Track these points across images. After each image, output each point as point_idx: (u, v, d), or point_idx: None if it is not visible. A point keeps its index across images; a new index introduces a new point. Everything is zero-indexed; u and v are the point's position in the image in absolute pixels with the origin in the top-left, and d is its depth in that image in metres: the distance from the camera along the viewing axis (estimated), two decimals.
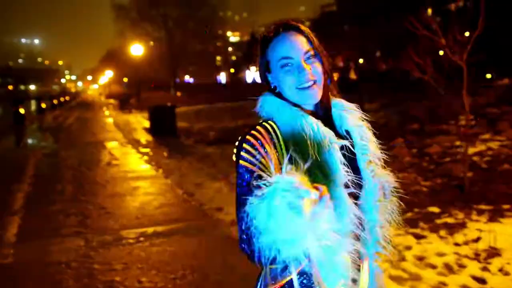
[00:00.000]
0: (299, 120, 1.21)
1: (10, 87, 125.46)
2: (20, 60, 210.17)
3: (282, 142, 1.18)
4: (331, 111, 1.35)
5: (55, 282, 3.71)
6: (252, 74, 72.88)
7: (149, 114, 16.37)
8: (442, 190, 6.18)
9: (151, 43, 55.92)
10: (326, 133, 1.22)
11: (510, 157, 7.54)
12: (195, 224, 5.19)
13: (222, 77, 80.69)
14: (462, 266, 3.94)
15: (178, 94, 52.67)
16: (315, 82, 1.24)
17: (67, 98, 60.06)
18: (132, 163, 9.67)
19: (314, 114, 1.29)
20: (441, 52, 6.57)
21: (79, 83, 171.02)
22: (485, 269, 3.85)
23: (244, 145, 1.19)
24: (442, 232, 4.69)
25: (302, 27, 1.28)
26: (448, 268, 3.92)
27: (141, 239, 4.73)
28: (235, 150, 1.25)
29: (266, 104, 1.29)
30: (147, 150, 11.44)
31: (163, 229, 5.03)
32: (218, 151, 10.40)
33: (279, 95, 1.29)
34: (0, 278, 3.88)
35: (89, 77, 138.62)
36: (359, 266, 1.28)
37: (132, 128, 17.89)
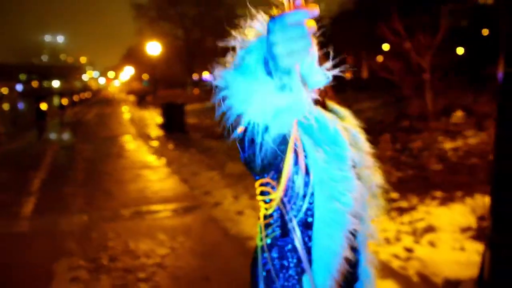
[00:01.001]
0: None
1: (34, 84, 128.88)
2: (43, 57, 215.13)
3: None
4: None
5: (60, 245, 4.56)
6: None
7: (161, 110, 17.30)
8: (410, 180, 6.85)
9: (169, 41, 57.07)
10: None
11: (483, 152, 8.14)
12: (183, 205, 6.00)
13: None
14: (398, 239, 4.65)
15: (195, 91, 53.57)
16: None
17: (88, 94, 61.76)
18: (140, 154, 10.55)
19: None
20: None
21: (101, 80, 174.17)
22: (416, 242, 4.56)
23: None
24: (393, 214, 5.40)
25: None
26: (386, 241, 4.64)
27: (135, 215, 5.57)
28: None
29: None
30: (155, 143, 12.33)
31: (155, 208, 5.86)
32: (220, 145, 11.21)
33: None
34: (17, 242, 4.76)
35: (111, 74, 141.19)
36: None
37: (145, 123, 18.86)
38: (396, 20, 6.32)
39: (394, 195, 6.10)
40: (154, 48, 30.89)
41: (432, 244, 4.47)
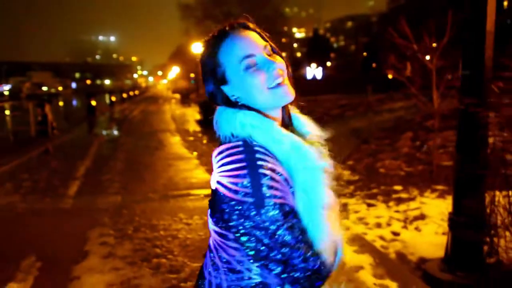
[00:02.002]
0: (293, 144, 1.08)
1: (88, 82, 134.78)
2: (97, 57, 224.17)
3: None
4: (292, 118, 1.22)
5: (95, 219, 5.40)
6: (312, 71, 73.55)
7: (200, 108, 18.25)
8: (417, 175, 7.26)
9: None
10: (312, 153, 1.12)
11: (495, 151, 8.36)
12: (203, 191, 6.73)
13: None
14: (389, 224, 5.16)
15: None
16: (285, 79, 1.11)
17: (136, 92, 64.31)
18: (175, 147, 11.43)
19: (283, 122, 1.19)
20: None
21: (150, 78, 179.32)
22: (404, 227, 5.05)
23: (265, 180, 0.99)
24: (391, 203, 5.89)
25: (249, 24, 1.15)
26: (377, 225, 5.16)
27: (161, 198, 6.35)
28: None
29: (241, 120, 1.09)
30: (191, 138, 13.20)
31: (180, 193, 6.62)
32: None
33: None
34: (61, 215, 5.65)
35: (159, 73, 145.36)
36: None
37: (185, 120, 19.88)
38: (405, 25, 6.76)
39: (398, 187, 6.56)
40: (198, 48, 32.03)
41: (417, 229, 4.95)
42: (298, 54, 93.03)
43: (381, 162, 8.05)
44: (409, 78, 7.09)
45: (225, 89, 1.13)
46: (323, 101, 21.93)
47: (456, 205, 3.75)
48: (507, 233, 3.43)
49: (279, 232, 0.99)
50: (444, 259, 3.88)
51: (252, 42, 1.09)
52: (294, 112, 1.29)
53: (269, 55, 1.10)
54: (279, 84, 1.09)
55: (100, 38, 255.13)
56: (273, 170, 1.01)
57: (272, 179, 1.00)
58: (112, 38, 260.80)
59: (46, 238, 4.80)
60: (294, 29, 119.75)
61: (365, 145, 10.03)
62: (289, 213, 1.02)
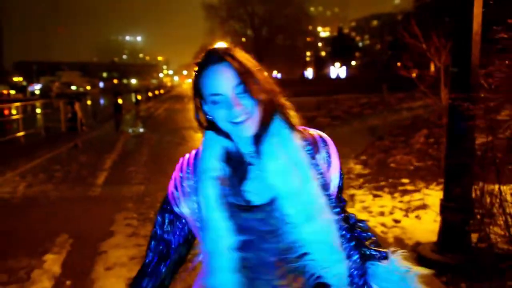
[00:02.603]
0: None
1: (115, 81, 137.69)
2: (124, 56, 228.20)
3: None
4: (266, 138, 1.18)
5: (120, 205, 5.91)
6: (336, 70, 73.38)
7: None
8: (426, 169, 7.54)
9: (238, 40, 58.92)
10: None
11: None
12: None
13: (309, 73, 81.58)
14: (391, 213, 5.50)
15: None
16: (248, 118, 1.14)
17: (161, 91, 65.49)
18: (197, 144, 11.77)
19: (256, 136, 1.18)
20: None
21: (175, 78, 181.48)
22: (406, 216, 5.38)
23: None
24: (396, 194, 6.22)
25: (228, 58, 1.15)
26: (380, 213, 5.50)
27: None
28: None
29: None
30: None
31: None
32: None
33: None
34: (91, 202, 6.19)
35: (184, 72, 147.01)
36: None
37: None
38: (414, 24, 7.04)
39: (405, 180, 6.87)
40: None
41: (418, 217, 5.28)
42: (323, 53, 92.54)
43: (392, 157, 8.35)
44: (432, 77, 7.32)
45: (205, 108, 1.22)
46: (344, 100, 22.17)
47: (446, 192, 4.09)
48: (500, 222, 3.74)
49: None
50: (436, 242, 4.22)
51: (222, 81, 1.13)
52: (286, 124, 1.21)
53: (237, 94, 1.13)
54: (240, 122, 1.13)
55: (127, 38, 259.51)
56: (175, 178, 1.33)
57: (173, 180, 1.34)
58: (139, 38, 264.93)
59: (77, 221, 5.32)
60: (319, 28, 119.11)
61: (379, 142, 10.31)
62: (166, 211, 1.34)
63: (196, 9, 63.45)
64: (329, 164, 1.24)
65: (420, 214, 5.35)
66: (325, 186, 1.20)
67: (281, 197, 1.14)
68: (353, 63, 78.31)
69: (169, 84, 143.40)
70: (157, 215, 1.36)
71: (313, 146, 1.23)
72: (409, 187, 6.46)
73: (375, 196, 6.21)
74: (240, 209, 1.18)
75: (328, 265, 1.15)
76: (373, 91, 21.05)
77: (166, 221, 1.34)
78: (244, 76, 1.14)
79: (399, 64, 7.70)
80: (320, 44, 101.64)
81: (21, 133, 12.40)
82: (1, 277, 3.65)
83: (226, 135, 1.22)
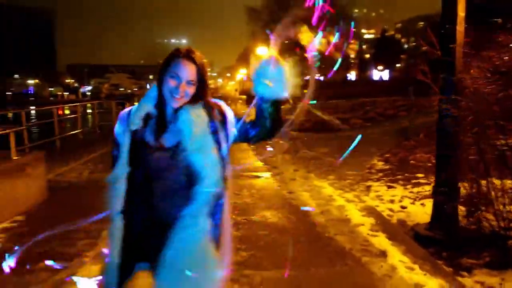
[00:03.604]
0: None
1: None
2: None
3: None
4: (180, 112, 1.80)
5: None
6: (378, 73, 72.85)
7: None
8: None
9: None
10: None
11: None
12: (257, 173, 8.11)
13: (352, 75, 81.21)
14: (400, 201, 6.25)
15: (305, 91, 55.27)
16: (181, 97, 1.77)
17: None
18: None
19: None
20: None
21: (219, 80, 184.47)
22: (412, 203, 6.13)
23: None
24: (409, 186, 6.95)
25: (195, 58, 1.81)
26: (390, 201, 6.27)
27: None
28: None
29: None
30: None
31: (236, 173, 8.07)
32: (300, 135, 13.23)
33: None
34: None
35: (228, 74, 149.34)
36: None
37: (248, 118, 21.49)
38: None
39: (420, 175, 7.55)
40: (262, 51, 33.64)
41: (423, 205, 6.01)
42: (367, 56, 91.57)
43: (413, 155, 9.02)
44: None
45: (160, 77, 1.83)
46: (382, 102, 22.62)
47: (436, 178, 4.86)
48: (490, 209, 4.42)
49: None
50: (429, 221, 4.99)
51: (179, 69, 1.78)
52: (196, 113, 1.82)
53: (187, 83, 1.78)
54: (175, 97, 1.78)
55: (172, 41, 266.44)
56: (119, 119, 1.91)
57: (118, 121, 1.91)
58: (184, 41, 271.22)
59: None
60: (363, 30, 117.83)
61: (406, 142, 10.95)
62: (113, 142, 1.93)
63: (239, 12, 64.64)
64: (225, 121, 1.89)
65: (426, 202, 6.07)
66: (218, 134, 1.84)
67: (185, 138, 1.77)
68: (398, 65, 77.33)
69: (213, 86, 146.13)
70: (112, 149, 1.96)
71: (215, 112, 1.88)
72: (422, 181, 7.16)
73: (389, 187, 6.98)
74: (156, 150, 1.81)
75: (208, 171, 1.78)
76: (415, 94, 21.43)
77: (115, 150, 1.94)
78: (199, 75, 1.80)
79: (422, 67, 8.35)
80: (364, 47, 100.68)
81: (79, 130, 13.84)
82: (79, 234, 4.73)
83: (158, 103, 1.85)
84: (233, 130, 1.90)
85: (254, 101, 1.86)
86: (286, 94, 1.82)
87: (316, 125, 16.30)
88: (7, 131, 5.85)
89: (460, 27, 4.46)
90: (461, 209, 4.70)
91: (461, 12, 4.57)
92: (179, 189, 1.82)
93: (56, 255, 4.22)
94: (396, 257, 4.08)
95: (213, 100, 1.93)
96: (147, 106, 1.86)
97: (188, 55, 1.81)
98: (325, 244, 4.52)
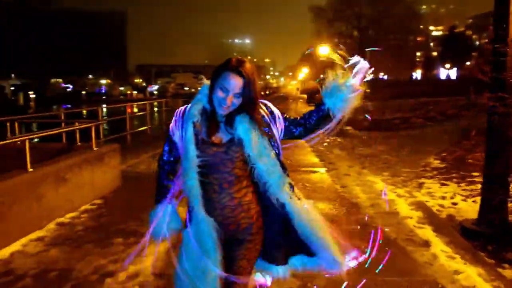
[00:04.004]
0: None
1: None
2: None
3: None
4: (236, 119, 1.93)
5: None
6: (446, 71, 69.91)
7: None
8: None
9: (345, 42, 59.06)
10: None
11: None
12: (313, 168, 8.44)
13: (418, 74, 78.59)
14: (452, 198, 6.35)
15: (368, 90, 54.32)
16: (228, 107, 1.87)
17: (267, 92, 68.01)
18: None
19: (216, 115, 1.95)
20: None
21: (281, 79, 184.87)
22: (464, 200, 6.21)
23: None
24: (463, 184, 6.99)
25: (243, 72, 1.86)
26: (442, 198, 6.39)
27: None
28: None
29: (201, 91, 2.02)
30: None
31: (293, 168, 8.44)
32: (360, 134, 13.35)
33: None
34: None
35: (290, 73, 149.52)
36: None
37: None
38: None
39: (476, 173, 7.53)
40: (324, 50, 33.65)
41: (475, 202, 6.08)
42: (434, 54, 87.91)
43: (472, 155, 8.94)
44: None
45: (212, 84, 1.94)
46: (445, 102, 22.01)
47: (485, 175, 4.98)
48: None
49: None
50: (478, 216, 5.11)
51: (228, 83, 1.87)
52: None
53: (234, 95, 1.87)
54: (223, 106, 1.89)
55: (236, 41, 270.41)
56: (173, 120, 2.05)
57: (173, 121, 2.05)
58: (247, 41, 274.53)
59: None
60: (431, 27, 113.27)
61: (465, 141, 10.79)
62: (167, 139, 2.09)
63: (303, 12, 64.57)
64: (274, 120, 2.05)
65: (478, 200, 6.11)
66: (273, 137, 2.02)
67: (240, 138, 1.92)
68: (468, 63, 73.81)
69: (275, 85, 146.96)
70: (164, 143, 2.13)
71: (267, 117, 2.02)
72: (477, 179, 7.15)
73: (442, 184, 7.06)
74: (211, 144, 1.94)
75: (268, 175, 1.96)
76: (476, 94, 20.74)
77: (168, 146, 2.12)
78: (246, 89, 1.87)
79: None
80: (432, 44, 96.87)
81: (148, 127, 14.82)
82: (148, 216, 5.34)
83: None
84: (281, 127, 2.07)
85: (318, 108, 2.04)
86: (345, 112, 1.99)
87: (375, 124, 16.31)
88: (90, 124, 6.62)
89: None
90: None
91: None
92: (233, 181, 1.97)
93: (130, 232, 4.83)
94: (439, 247, 4.29)
95: (260, 101, 2.03)
96: (203, 101, 2.00)
97: (237, 69, 1.87)
98: (372, 233, 4.80)
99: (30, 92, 65.45)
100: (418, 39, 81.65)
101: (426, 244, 4.41)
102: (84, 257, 4.18)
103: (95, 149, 6.45)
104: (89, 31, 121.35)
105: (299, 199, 2.02)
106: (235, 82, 1.87)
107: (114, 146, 7.11)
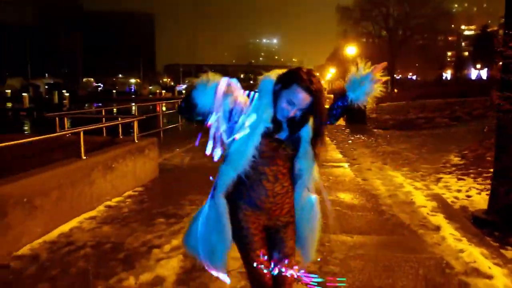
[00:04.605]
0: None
1: (251, 82, 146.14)
2: (260, 58, 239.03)
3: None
4: (300, 127, 2.05)
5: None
6: (477, 72, 68.66)
7: None
8: None
9: (373, 41, 58.78)
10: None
11: None
12: (336, 164, 8.91)
13: (448, 74, 77.44)
14: (467, 191, 6.73)
15: (395, 90, 54.03)
16: (290, 116, 1.97)
17: None
18: None
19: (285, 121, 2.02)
20: None
21: None
22: (478, 193, 6.57)
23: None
24: (479, 179, 7.34)
25: (313, 89, 1.93)
26: (457, 191, 6.77)
27: None
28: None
29: (264, 85, 2.04)
30: (334, 129, 15.45)
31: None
32: (384, 133, 13.70)
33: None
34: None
35: (317, 74, 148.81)
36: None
37: None
38: None
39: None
40: (351, 50, 33.90)
41: (488, 195, 6.44)
42: (466, 53, 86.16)
43: (491, 152, 9.23)
44: None
45: (279, 90, 2.00)
46: (471, 102, 22.02)
47: (494, 168, 5.39)
48: None
49: None
50: (488, 206, 5.51)
51: (296, 98, 1.94)
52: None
53: (298, 109, 1.97)
54: (285, 116, 1.99)
55: (264, 41, 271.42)
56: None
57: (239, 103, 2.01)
58: (275, 41, 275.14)
59: None
60: (463, 26, 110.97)
61: (487, 140, 11.04)
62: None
63: (330, 11, 64.45)
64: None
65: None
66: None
67: (302, 145, 2.08)
68: (500, 63, 72.11)
69: None
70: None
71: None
72: (487, 175, 7.50)
73: (459, 179, 7.45)
74: (273, 140, 2.04)
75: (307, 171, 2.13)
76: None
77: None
78: (313, 106, 1.97)
79: None
80: (463, 44, 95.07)
81: (179, 124, 15.55)
82: (185, 202, 5.96)
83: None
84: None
85: (339, 98, 2.22)
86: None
87: (400, 123, 16.61)
88: (132, 119, 7.29)
89: None
90: None
91: None
92: (285, 173, 2.12)
93: (170, 215, 5.45)
94: (448, 231, 4.74)
95: None
96: (269, 104, 2.05)
97: (307, 87, 1.94)
98: (387, 219, 5.29)
99: (63, 91, 67.66)
100: (450, 38, 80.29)
101: (437, 229, 4.86)
102: (132, 233, 4.81)
103: (136, 142, 7.11)
104: (119, 32, 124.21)
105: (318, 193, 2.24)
106: (303, 98, 1.95)
107: (153, 140, 7.78)
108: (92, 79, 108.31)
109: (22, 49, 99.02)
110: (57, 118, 8.40)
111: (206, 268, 2.17)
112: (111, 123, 7.77)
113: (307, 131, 2.08)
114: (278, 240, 2.18)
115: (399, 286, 3.54)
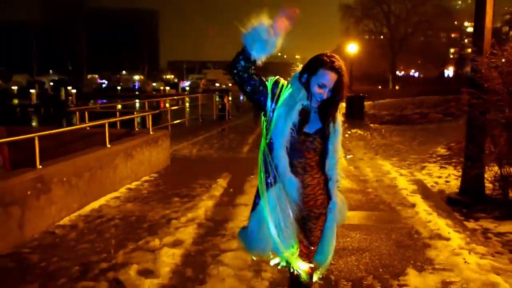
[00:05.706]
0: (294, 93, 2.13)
1: None
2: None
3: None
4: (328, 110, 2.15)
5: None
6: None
7: (346, 102, 21.08)
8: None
9: (374, 39, 59.38)
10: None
11: None
12: None
13: (450, 71, 77.80)
14: (446, 177, 7.54)
15: (397, 87, 54.60)
16: (321, 96, 2.07)
17: None
18: None
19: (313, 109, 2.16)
20: None
21: None
22: (456, 179, 7.34)
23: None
24: (459, 168, 8.12)
25: (337, 67, 2.06)
26: (438, 176, 7.59)
27: None
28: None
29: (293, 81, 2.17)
30: None
31: None
32: (380, 127, 14.49)
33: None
34: (241, 161, 9.25)
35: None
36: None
37: None
38: None
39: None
40: (352, 48, 34.54)
41: None
42: (469, 50, 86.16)
43: None
44: None
45: (308, 79, 2.14)
46: (468, 99, 22.72)
47: (465, 154, 6.20)
48: None
49: None
50: (459, 188, 6.33)
51: (325, 79, 2.08)
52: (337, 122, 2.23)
53: (328, 91, 2.09)
54: (317, 100, 2.13)
55: None
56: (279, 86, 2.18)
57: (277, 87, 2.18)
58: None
59: (232, 169, 8.33)
60: (466, 23, 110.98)
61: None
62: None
63: (332, 10, 64.88)
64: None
65: None
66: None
67: (333, 134, 2.22)
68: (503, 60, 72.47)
69: None
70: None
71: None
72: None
73: (442, 167, 8.26)
74: (300, 133, 2.16)
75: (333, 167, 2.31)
76: None
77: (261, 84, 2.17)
78: (339, 85, 2.09)
79: None
80: (466, 41, 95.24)
81: (186, 119, 16.39)
82: (195, 185, 6.80)
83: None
84: None
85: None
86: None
87: (395, 118, 17.40)
88: (147, 113, 8.13)
89: (488, 35, 5.76)
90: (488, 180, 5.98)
91: (488, 24, 5.88)
92: (314, 166, 2.24)
93: (184, 195, 6.28)
94: (421, 207, 5.56)
95: None
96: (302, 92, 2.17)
97: (332, 66, 2.09)
98: (372, 199, 6.12)
99: (69, 88, 68.58)
100: (452, 35, 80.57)
101: (413, 206, 5.68)
102: (152, 209, 5.65)
103: (151, 133, 7.95)
104: (122, 29, 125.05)
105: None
106: (331, 78, 2.09)
107: (165, 132, 8.63)
108: (96, 76, 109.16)
109: (27, 46, 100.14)
110: (77, 112, 9.24)
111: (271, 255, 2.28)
112: (129, 117, 8.61)
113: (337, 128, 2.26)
114: (307, 229, 2.31)
115: (374, 246, 4.38)
